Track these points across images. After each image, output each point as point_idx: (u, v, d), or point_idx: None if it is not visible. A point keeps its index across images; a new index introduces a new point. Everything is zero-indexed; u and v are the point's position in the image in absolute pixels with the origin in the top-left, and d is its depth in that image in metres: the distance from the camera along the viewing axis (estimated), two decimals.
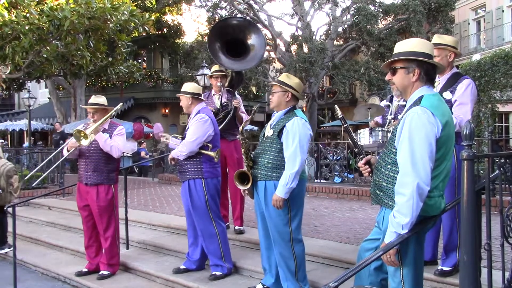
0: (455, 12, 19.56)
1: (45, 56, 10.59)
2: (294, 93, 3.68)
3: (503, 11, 19.01)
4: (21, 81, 16.57)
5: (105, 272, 4.86)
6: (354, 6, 18.31)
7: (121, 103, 5.25)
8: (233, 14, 19.53)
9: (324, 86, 25.11)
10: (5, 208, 5.62)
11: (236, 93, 5.59)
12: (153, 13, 20.11)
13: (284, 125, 3.59)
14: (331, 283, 2.09)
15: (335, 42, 20.37)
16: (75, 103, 17.67)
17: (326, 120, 24.67)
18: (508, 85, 8.95)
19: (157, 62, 25.29)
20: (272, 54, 20.47)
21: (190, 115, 4.56)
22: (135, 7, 11.67)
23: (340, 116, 3.29)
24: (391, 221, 2.37)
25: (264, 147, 3.72)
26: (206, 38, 6.10)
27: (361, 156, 2.87)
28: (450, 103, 3.53)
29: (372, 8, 18.17)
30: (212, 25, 9.74)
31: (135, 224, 6.37)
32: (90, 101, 4.86)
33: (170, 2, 21.09)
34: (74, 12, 9.52)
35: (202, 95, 5.49)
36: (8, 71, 10.34)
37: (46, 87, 21.77)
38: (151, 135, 18.55)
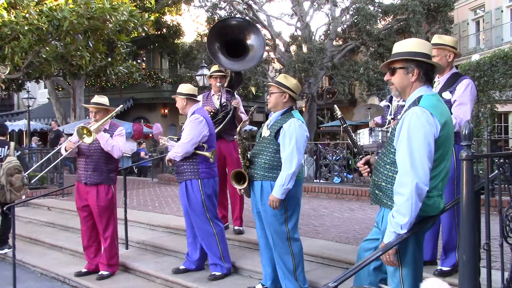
0: (454, 12, 19.58)
1: (44, 56, 10.59)
2: (291, 94, 3.70)
3: (502, 11, 19.03)
4: (20, 81, 16.57)
5: (105, 273, 4.86)
6: (353, 6, 18.33)
7: (122, 105, 5.27)
8: (232, 15, 19.54)
9: (323, 86, 25.13)
10: (4, 208, 5.61)
11: (235, 93, 5.59)
12: (153, 14, 20.12)
13: (281, 126, 3.61)
14: (331, 283, 2.09)
15: (334, 42, 20.38)
16: (74, 103, 17.66)
17: (325, 120, 24.67)
18: (507, 85, 8.96)
19: (157, 63, 25.29)
20: (272, 54, 20.49)
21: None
22: (134, 8, 11.69)
23: (339, 116, 3.30)
24: (390, 221, 2.37)
25: (261, 147, 3.73)
26: (206, 38, 6.10)
27: (360, 156, 2.87)
28: (449, 103, 3.53)
29: (371, 8, 18.19)
30: (212, 26, 9.76)
31: (135, 224, 6.37)
32: (93, 100, 4.86)
33: (169, 2, 21.09)
34: (74, 13, 9.53)
35: (201, 95, 5.52)
36: (7, 72, 10.34)
37: (45, 87, 21.77)
38: (151, 135, 18.56)
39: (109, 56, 12.75)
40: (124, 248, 5.56)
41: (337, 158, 9.66)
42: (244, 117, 5.39)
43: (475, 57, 11.05)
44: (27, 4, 9.53)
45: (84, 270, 5.00)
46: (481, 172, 6.91)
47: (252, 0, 19.65)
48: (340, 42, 20.83)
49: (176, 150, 4.39)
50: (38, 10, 9.86)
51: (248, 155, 3.87)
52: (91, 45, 11.13)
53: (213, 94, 5.47)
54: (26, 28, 9.39)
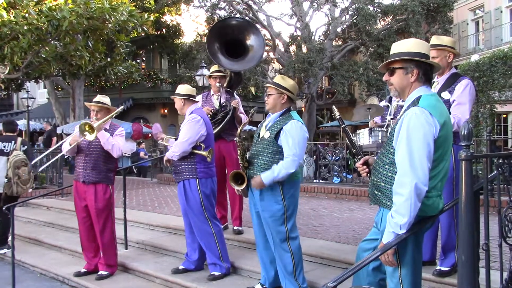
0: (453, 12, 19.58)
1: (44, 56, 10.57)
2: (289, 95, 3.72)
3: (501, 11, 19.05)
4: (19, 81, 16.56)
5: (104, 273, 4.86)
6: (353, 6, 18.33)
7: (122, 106, 5.29)
8: (232, 15, 19.54)
9: (323, 86, 25.13)
10: (3, 208, 5.61)
11: (235, 93, 5.59)
12: (152, 14, 20.12)
13: (282, 128, 3.62)
14: (330, 283, 2.09)
15: (334, 43, 20.39)
16: (74, 103, 17.65)
17: (325, 121, 24.67)
18: (506, 86, 8.97)
19: (156, 63, 25.29)
20: (271, 55, 20.49)
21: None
22: (134, 8, 11.66)
23: (337, 117, 3.30)
24: (389, 221, 2.37)
25: (260, 148, 3.74)
26: (205, 38, 6.10)
27: (359, 157, 2.87)
28: (448, 103, 3.54)
29: (371, 8, 18.19)
30: (211, 26, 9.76)
31: (134, 225, 6.37)
32: (96, 99, 4.89)
33: (169, 2, 21.09)
34: (73, 13, 9.51)
35: (201, 95, 5.52)
36: (6, 72, 10.33)
37: (44, 87, 21.77)
38: (150, 135, 18.55)
39: (108, 56, 12.73)
40: (124, 248, 5.56)
41: (337, 158, 9.66)
42: (243, 117, 5.39)
43: (475, 58, 11.06)
44: (26, 4, 9.52)
45: (83, 270, 5.00)
46: (480, 172, 6.92)
47: (252, 0, 19.64)
48: (340, 42, 20.84)
49: (173, 149, 4.40)
50: (37, 10, 9.85)
51: (247, 156, 3.88)
52: (90, 45, 11.12)
53: (212, 94, 5.47)
54: (25, 28, 9.37)
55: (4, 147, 6.43)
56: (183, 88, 4.62)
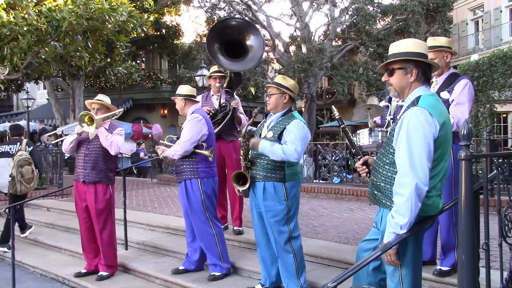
0: (453, 12, 19.58)
1: (44, 57, 10.57)
2: (291, 94, 3.73)
3: (501, 11, 19.05)
4: (19, 82, 16.54)
5: (104, 273, 4.86)
6: (352, 6, 18.33)
7: (122, 109, 5.31)
8: (231, 15, 19.54)
9: (322, 86, 25.11)
10: (4, 209, 5.62)
11: (234, 93, 5.59)
12: (152, 14, 20.13)
13: (285, 127, 3.64)
14: (330, 283, 2.09)
15: (333, 43, 20.39)
16: (73, 104, 17.63)
17: (324, 121, 24.67)
18: (506, 85, 8.98)
19: (156, 63, 25.29)
20: (271, 55, 20.49)
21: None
22: (133, 8, 11.65)
23: (337, 117, 3.30)
24: (390, 221, 2.37)
25: None
26: (205, 39, 6.10)
27: (359, 157, 2.87)
28: (447, 103, 3.54)
29: (371, 8, 18.19)
30: (211, 26, 9.76)
31: (134, 225, 6.37)
32: (96, 98, 4.92)
33: (168, 3, 21.10)
34: (73, 13, 9.51)
35: (201, 96, 5.52)
36: (6, 72, 10.32)
37: (44, 88, 21.75)
38: (150, 136, 18.56)
39: (108, 56, 12.72)
40: (124, 248, 5.56)
41: (337, 158, 9.67)
42: (243, 117, 5.39)
43: (474, 57, 11.06)
44: (26, 5, 9.52)
45: (83, 270, 5.00)
46: (480, 172, 6.92)
47: (252, 1, 19.65)
48: (340, 43, 20.84)
49: (175, 148, 4.39)
50: (37, 11, 9.84)
51: (250, 156, 3.87)
52: (90, 45, 11.12)
53: (212, 95, 5.47)
54: (25, 28, 9.37)
55: (10, 149, 6.60)
56: (184, 89, 4.62)
